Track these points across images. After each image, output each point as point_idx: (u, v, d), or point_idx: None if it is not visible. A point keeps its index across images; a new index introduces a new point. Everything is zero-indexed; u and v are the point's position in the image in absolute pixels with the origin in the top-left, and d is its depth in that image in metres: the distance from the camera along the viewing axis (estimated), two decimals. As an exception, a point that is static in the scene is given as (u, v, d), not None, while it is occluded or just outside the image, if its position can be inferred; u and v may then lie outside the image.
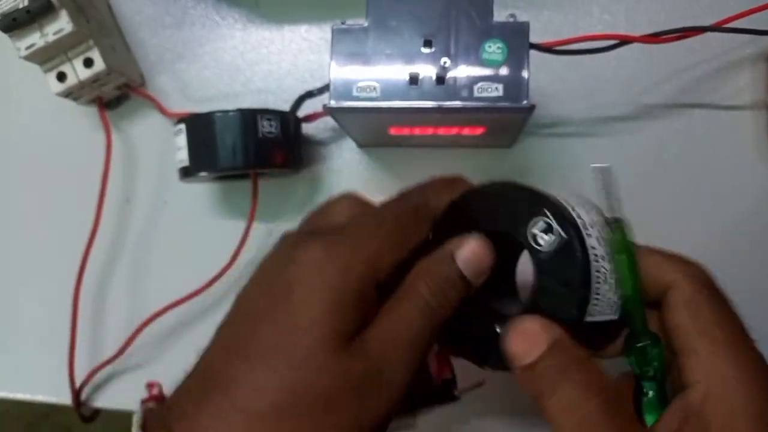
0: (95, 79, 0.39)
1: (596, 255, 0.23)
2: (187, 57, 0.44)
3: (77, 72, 0.39)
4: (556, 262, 0.23)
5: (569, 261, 0.23)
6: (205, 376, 0.24)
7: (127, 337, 0.41)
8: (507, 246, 0.26)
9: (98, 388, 0.43)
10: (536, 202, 0.24)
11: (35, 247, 0.45)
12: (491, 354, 0.25)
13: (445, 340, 0.26)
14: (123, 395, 0.43)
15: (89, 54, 0.39)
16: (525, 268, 0.26)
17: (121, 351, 0.41)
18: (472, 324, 0.26)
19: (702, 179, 0.39)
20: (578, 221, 0.24)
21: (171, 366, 0.43)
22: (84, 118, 0.44)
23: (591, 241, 0.23)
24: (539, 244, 0.24)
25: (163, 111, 0.42)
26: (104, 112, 0.42)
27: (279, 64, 0.43)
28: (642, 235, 0.38)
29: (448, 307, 0.25)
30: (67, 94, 0.40)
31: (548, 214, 0.24)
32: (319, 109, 0.38)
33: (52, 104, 0.45)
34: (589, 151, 0.40)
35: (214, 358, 0.25)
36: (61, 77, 0.39)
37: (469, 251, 0.25)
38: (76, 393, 0.41)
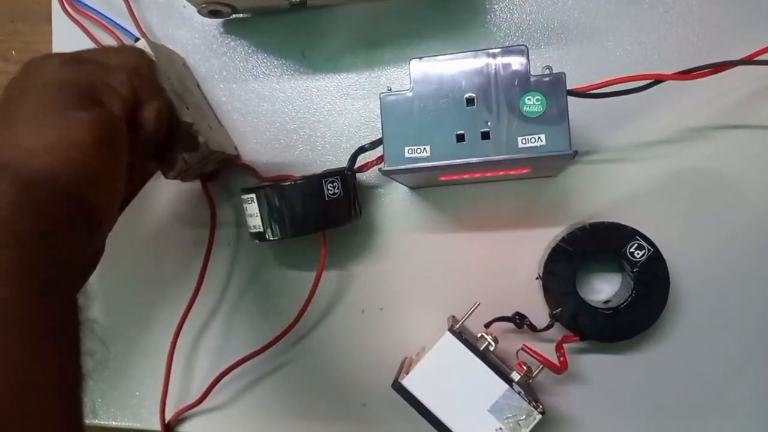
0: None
1: None
2: (240, 110, 0.47)
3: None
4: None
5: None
6: None
7: (208, 385, 0.45)
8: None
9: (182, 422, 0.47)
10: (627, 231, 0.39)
11: (147, 301, 0.49)
12: (596, 329, 0.39)
13: (572, 330, 0.39)
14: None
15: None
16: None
17: (202, 399, 0.45)
18: (588, 316, 0.39)
19: (738, 200, 0.41)
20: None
21: (249, 410, 0.47)
22: (187, 192, 0.48)
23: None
24: (635, 257, 0.38)
25: (258, 177, 0.45)
26: (207, 186, 0.46)
27: (326, 110, 0.46)
28: (680, 253, 0.40)
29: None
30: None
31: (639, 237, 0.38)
32: (370, 159, 0.41)
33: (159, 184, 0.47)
34: (628, 176, 0.42)
35: None
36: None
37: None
38: (165, 428, 0.46)
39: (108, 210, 0.29)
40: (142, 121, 0.31)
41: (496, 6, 0.44)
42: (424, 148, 0.33)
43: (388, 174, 0.34)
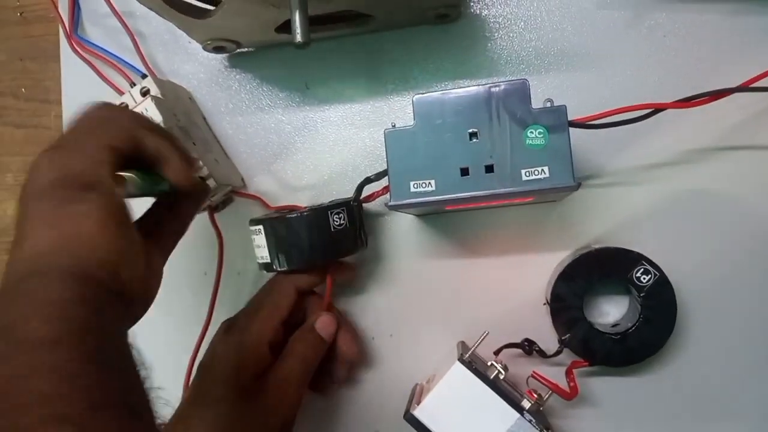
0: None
1: None
2: (246, 142, 0.48)
3: None
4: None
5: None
6: None
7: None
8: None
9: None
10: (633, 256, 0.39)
11: (157, 334, 0.47)
12: (605, 354, 0.39)
13: (581, 355, 0.40)
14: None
15: (199, 174, 0.42)
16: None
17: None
18: (597, 341, 0.40)
19: (740, 221, 0.41)
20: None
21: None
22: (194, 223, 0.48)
23: None
24: (641, 282, 0.38)
25: (267, 206, 0.46)
26: (214, 217, 0.46)
27: (331, 140, 0.47)
28: (684, 274, 0.40)
29: (317, 358, 0.40)
30: None
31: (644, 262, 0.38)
32: (376, 189, 0.41)
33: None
34: (631, 199, 0.42)
35: None
36: None
37: (321, 322, 0.41)
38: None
39: (137, 280, 0.30)
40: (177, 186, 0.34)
41: (496, 34, 0.44)
42: (429, 183, 0.34)
43: (394, 208, 0.35)
